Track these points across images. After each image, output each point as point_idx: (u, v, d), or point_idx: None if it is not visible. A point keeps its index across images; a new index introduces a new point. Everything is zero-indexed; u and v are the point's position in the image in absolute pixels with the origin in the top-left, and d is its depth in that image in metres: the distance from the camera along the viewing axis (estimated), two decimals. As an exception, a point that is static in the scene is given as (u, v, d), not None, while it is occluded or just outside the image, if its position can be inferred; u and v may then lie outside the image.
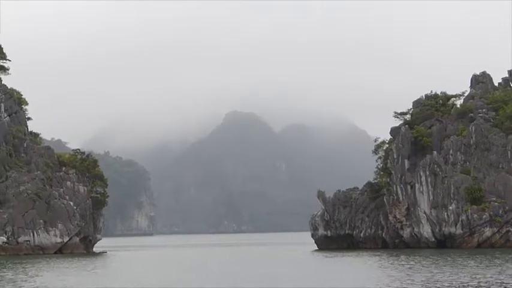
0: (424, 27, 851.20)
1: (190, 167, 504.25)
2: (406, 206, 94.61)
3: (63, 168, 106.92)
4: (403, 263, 63.34)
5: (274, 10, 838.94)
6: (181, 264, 75.21)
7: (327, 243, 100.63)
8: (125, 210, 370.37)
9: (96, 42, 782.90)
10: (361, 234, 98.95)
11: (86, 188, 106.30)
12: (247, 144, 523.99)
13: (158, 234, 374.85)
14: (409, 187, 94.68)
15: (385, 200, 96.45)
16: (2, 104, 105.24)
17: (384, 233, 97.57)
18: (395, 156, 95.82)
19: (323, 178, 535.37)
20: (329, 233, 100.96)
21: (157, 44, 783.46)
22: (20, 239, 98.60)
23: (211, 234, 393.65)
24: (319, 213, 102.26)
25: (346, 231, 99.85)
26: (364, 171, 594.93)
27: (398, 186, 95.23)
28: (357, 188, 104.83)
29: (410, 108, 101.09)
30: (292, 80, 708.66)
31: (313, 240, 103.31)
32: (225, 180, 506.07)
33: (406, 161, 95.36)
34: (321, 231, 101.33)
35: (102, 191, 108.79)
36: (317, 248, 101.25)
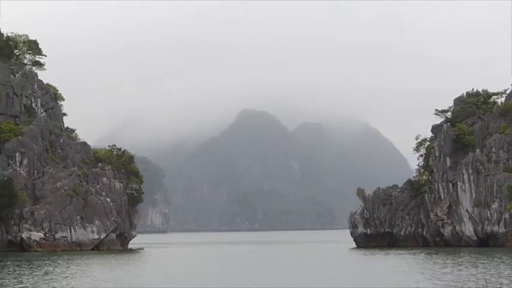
0: (437, 27, 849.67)
1: (203, 165, 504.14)
2: (448, 204, 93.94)
3: (99, 165, 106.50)
4: (452, 261, 62.33)
5: (289, 10, 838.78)
6: (235, 261, 74.54)
7: (366, 241, 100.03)
8: (139, 207, 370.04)
9: (112, 40, 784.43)
10: (401, 232, 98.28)
11: (121, 185, 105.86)
12: (260, 143, 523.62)
13: (171, 231, 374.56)
14: (450, 185, 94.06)
15: (426, 198, 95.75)
16: (38, 100, 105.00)
17: (424, 231, 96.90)
18: (437, 154, 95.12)
19: (335, 177, 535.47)
20: (368, 231, 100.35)
21: (171, 42, 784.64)
22: (57, 235, 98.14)
23: (224, 232, 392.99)
24: (358, 211, 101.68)
25: (386, 229, 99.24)
26: (377, 169, 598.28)
27: (440, 184, 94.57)
28: (397, 185, 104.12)
29: (451, 106, 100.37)
30: (304, 79, 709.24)
31: (352, 238, 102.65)
32: (238, 179, 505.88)
33: (448, 159, 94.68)
34: (360, 229, 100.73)
35: (138, 188, 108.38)
36: (355, 246, 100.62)
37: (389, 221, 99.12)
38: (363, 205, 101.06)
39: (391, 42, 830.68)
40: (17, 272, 54.88)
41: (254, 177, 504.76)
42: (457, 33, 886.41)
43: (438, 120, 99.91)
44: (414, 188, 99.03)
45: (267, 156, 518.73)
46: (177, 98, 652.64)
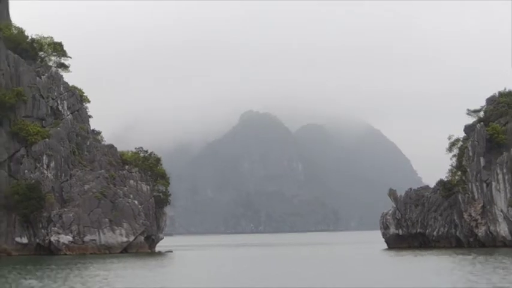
0: (441, 28, 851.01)
1: (207, 167, 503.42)
2: (482, 204, 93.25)
3: (126, 167, 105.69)
4: (493, 262, 61.46)
5: (293, 11, 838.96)
6: (274, 262, 73.88)
7: (398, 242, 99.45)
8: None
9: (116, 41, 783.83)
10: (434, 233, 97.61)
11: (148, 187, 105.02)
12: (263, 144, 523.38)
13: (176, 234, 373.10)
14: (484, 185, 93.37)
15: (459, 198, 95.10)
16: (65, 102, 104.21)
17: (457, 232, 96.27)
18: (470, 154, 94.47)
19: (339, 178, 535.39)
20: (400, 232, 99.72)
21: (175, 44, 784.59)
22: (86, 238, 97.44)
23: (230, 234, 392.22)
24: (390, 211, 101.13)
25: (418, 230, 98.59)
26: (380, 171, 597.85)
27: (473, 184, 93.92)
28: (428, 186, 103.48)
29: (483, 106, 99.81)
30: (307, 81, 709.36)
31: (384, 239, 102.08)
32: (242, 180, 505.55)
33: (482, 159, 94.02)
34: (392, 230, 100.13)
35: (164, 190, 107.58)
36: (387, 247, 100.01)
37: (422, 222, 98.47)
38: (394, 206, 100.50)
39: (394, 44, 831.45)
40: (63, 274, 54.22)
41: (258, 179, 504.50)
42: (461, 34, 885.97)
43: (470, 120, 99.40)
44: (446, 188, 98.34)
45: (271, 157, 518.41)
46: (180, 99, 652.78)
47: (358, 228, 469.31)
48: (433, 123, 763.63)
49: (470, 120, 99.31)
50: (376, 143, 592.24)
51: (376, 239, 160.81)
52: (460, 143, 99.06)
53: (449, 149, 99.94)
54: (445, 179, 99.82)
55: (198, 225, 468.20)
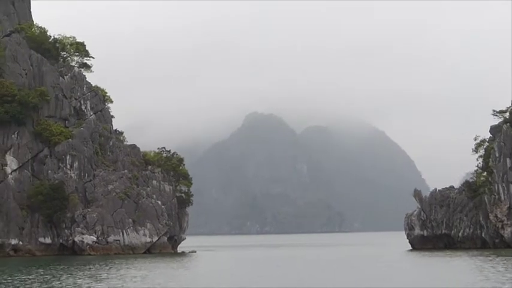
0: (439, 30, 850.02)
1: (211, 168, 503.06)
2: (508, 205, 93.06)
3: (149, 167, 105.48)
4: None
5: (297, 12, 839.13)
6: (302, 263, 73.63)
7: (423, 243, 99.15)
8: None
9: (122, 41, 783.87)
10: (460, 234, 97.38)
11: (171, 187, 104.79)
12: (268, 146, 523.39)
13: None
14: (511, 186, 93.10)
15: (485, 199, 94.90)
16: (88, 102, 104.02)
17: (483, 233, 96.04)
18: (497, 155, 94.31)
19: (343, 180, 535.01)
20: (425, 233, 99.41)
21: (181, 46, 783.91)
22: (110, 239, 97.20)
23: (235, 235, 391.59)
24: (415, 212, 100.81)
25: (443, 231, 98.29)
26: (384, 172, 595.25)
27: (500, 185, 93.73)
28: (453, 187, 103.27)
29: (509, 107, 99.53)
30: (311, 82, 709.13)
31: (408, 240, 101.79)
32: (247, 182, 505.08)
33: (508, 160, 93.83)
34: (417, 231, 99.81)
35: (187, 190, 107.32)
36: (411, 248, 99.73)
37: (447, 223, 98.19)
38: (419, 207, 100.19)
39: (397, 45, 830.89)
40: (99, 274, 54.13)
41: (262, 180, 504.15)
42: (465, 35, 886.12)
43: (496, 120, 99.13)
44: (472, 189, 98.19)
45: (275, 159, 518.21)
46: (185, 101, 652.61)
47: (362, 230, 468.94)
48: (436, 124, 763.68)
49: (496, 120, 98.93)
50: (380, 144, 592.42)
51: (388, 240, 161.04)
52: (486, 143, 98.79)
53: (476, 150, 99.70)
54: (470, 180, 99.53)
55: (203, 226, 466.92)
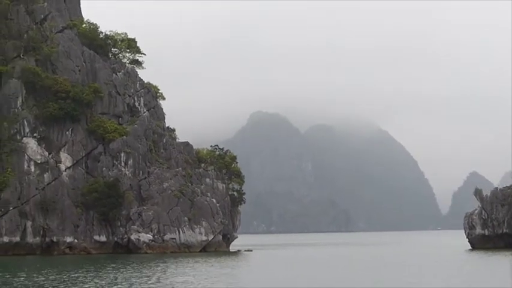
0: (446, 28, 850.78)
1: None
2: None
3: (202, 165, 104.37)
4: None
5: (302, 12, 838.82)
6: (360, 262, 72.73)
7: (483, 243, 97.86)
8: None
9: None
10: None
11: (224, 185, 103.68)
12: (272, 144, 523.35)
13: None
14: None
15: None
16: (141, 99, 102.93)
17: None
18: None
19: (348, 179, 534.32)
20: (486, 232, 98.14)
21: (187, 44, 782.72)
22: (166, 237, 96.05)
23: (242, 234, 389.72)
24: (476, 211, 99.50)
25: (504, 230, 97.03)
26: (388, 172, 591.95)
27: None
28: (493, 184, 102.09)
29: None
30: (316, 82, 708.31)
31: (468, 240, 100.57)
32: (252, 181, 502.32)
33: None
34: (478, 230, 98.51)
35: (239, 188, 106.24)
36: (471, 248, 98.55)
37: (508, 222, 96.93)
38: (480, 206, 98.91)
39: (401, 46, 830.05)
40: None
41: (267, 179, 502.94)
42: (470, 35, 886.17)
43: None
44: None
45: (280, 157, 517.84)
46: (190, 99, 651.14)
47: (367, 229, 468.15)
48: (439, 125, 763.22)
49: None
50: (384, 144, 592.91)
51: (407, 239, 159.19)
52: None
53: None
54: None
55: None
